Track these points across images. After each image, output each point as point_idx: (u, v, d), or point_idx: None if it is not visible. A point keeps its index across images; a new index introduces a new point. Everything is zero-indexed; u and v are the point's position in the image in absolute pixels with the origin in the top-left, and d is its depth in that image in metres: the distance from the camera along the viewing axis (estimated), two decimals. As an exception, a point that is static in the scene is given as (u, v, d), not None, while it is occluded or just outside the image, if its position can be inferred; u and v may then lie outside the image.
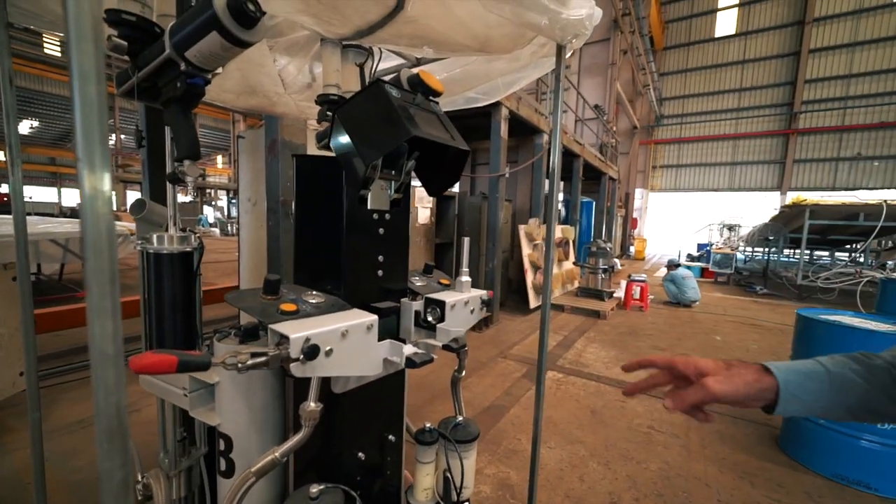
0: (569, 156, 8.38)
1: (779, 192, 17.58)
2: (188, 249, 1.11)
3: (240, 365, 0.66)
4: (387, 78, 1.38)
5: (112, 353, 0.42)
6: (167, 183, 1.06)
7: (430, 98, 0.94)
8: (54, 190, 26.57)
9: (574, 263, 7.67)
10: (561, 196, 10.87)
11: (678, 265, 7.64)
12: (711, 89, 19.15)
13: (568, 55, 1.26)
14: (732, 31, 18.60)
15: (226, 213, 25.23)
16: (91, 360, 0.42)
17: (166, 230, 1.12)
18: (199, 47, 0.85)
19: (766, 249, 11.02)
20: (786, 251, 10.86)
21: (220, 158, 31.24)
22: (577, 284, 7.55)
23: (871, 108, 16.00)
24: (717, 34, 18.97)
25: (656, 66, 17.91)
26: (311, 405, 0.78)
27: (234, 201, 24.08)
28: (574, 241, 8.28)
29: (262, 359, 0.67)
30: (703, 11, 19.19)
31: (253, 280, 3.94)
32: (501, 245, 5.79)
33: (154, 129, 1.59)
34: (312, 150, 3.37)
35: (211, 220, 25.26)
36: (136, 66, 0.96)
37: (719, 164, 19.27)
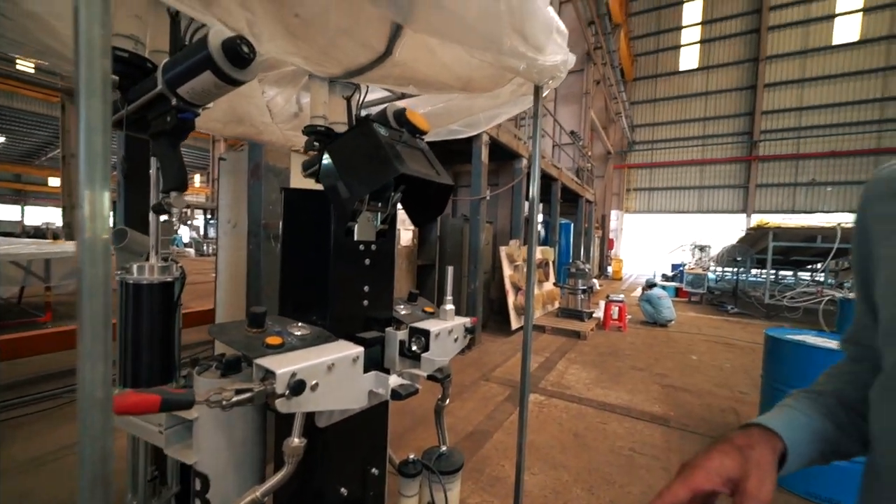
0: (547, 179, 8.65)
1: (744, 215, 18.52)
2: (169, 279, 1.09)
3: (224, 402, 0.66)
4: (373, 112, 1.43)
5: (101, 398, 0.42)
6: (151, 213, 1.05)
7: (416, 135, 0.99)
8: (18, 208, 25.39)
9: (554, 284, 7.79)
10: (540, 217, 11.13)
11: (654, 285, 7.87)
12: (678, 118, 20.29)
13: (545, 94, 1.34)
14: (695, 66, 19.93)
15: (202, 232, 24.54)
16: (78, 405, 0.42)
17: (147, 259, 1.10)
18: (191, 84, 0.88)
19: (735, 270, 11.51)
20: (753, 271, 11.37)
21: (197, 177, 30.64)
22: (557, 305, 7.65)
23: (822, 138, 17.27)
24: (682, 68, 20.28)
25: (627, 95, 18.91)
26: (295, 441, 0.77)
27: (211, 221, 23.47)
28: (554, 262, 8.44)
29: (247, 395, 0.67)
30: (668, 47, 20.55)
31: (230, 303, 3.84)
32: (483, 266, 5.85)
33: (134, 157, 1.57)
34: (297, 174, 3.38)
35: (186, 239, 24.49)
36: (126, 99, 0.97)
37: (688, 187, 20.22)
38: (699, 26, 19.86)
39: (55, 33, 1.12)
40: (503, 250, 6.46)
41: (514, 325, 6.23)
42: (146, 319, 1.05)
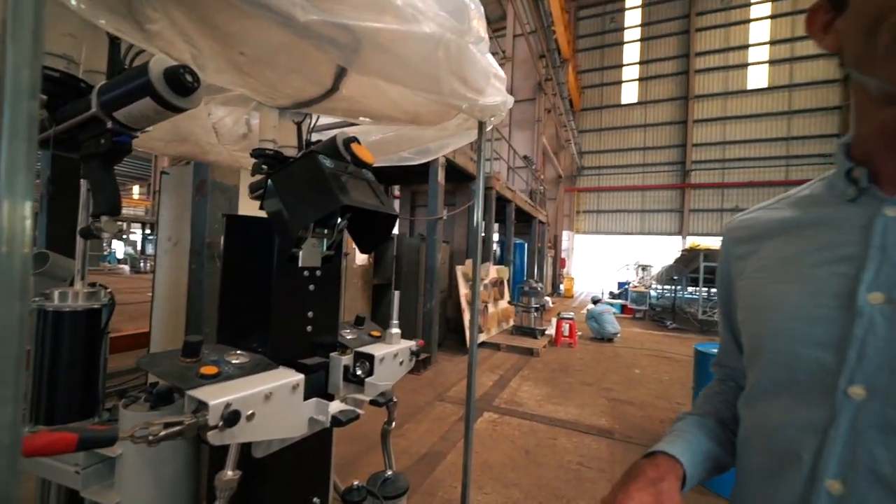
0: (502, 201, 8.96)
1: (680, 237, 20.18)
2: (96, 306, 1.03)
3: (151, 437, 0.64)
4: (327, 135, 1.45)
5: (8, 443, 0.40)
6: (78, 237, 0.99)
7: (362, 167, 1.03)
8: None
9: (509, 302, 7.99)
10: (496, 237, 11.47)
11: (598, 301, 8.32)
12: (622, 146, 21.98)
13: (489, 128, 1.44)
14: (635, 100, 21.83)
15: (139, 248, 22.57)
16: (-17, 450, 0.40)
17: (71, 284, 1.04)
18: (129, 109, 0.86)
19: (673, 287, 12.44)
20: (689, 289, 12.35)
21: (136, 188, 28.44)
22: (512, 322, 7.83)
23: (742, 170, 19.43)
24: (624, 101, 22.12)
25: (576, 124, 20.24)
26: (229, 473, 0.75)
27: (150, 237, 21.68)
28: (509, 281, 8.68)
29: (177, 428, 0.66)
30: (611, 82, 22.40)
31: (167, 325, 3.59)
32: (439, 285, 5.90)
33: (57, 176, 1.46)
34: (245, 192, 3.27)
35: (120, 255, 22.36)
36: (55, 119, 0.93)
37: (631, 210, 21.78)
38: (637, 65, 21.86)
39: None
40: (459, 269, 6.57)
41: (470, 343, 6.30)
42: (67, 350, 0.98)
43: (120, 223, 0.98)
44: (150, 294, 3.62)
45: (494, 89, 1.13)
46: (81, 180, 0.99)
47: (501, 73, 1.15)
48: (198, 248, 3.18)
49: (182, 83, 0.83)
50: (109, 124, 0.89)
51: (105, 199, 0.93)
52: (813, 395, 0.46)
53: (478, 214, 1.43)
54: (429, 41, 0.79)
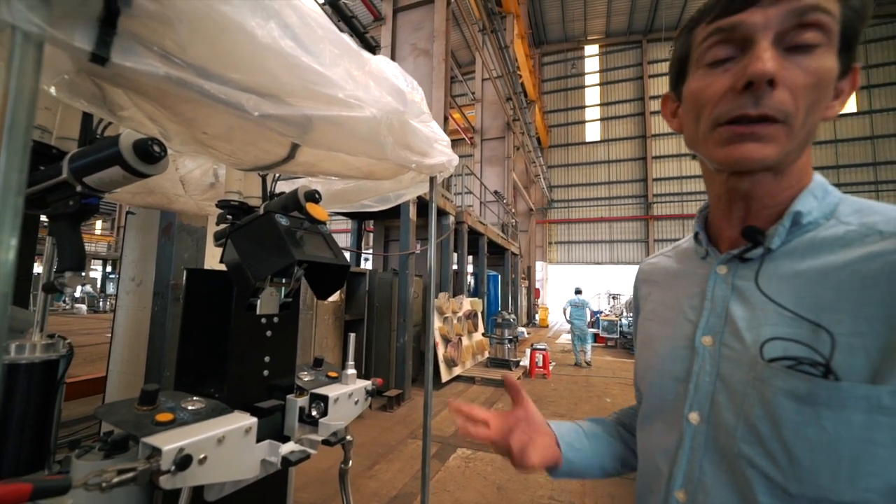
0: (474, 234, 9.22)
1: (647, 265, 21.04)
2: (54, 357, 1.06)
3: (104, 484, 0.68)
4: (289, 187, 1.57)
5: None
6: (41, 291, 1.04)
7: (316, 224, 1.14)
8: None
9: (483, 335, 8.04)
10: (471, 269, 11.65)
11: (579, 291, 9.03)
12: (588, 181, 23.18)
13: (439, 181, 1.59)
14: (598, 138, 23.30)
15: (98, 286, 21.39)
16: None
17: (28, 337, 1.07)
18: (99, 175, 0.95)
19: (642, 315, 12.79)
20: (657, 316, 12.71)
21: (99, 223, 27.34)
22: (487, 355, 7.86)
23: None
24: (588, 139, 23.57)
25: (544, 160, 21.30)
26: (180, 518, 0.79)
27: (111, 275, 20.62)
28: (483, 313, 8.77)
29: (131, 475, 0.70)
30: (575, 121, 23.92)
31: (126, 370, 3.45)
32: (413, 320, 5.92)
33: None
34: (213, 236, 3.30)
35: (78, 293, 21.10)
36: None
37: (601, 241, 22.68)
38: (599, 106, 23.51)
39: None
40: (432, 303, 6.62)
41: (445, 377, 6.26)
42: (20, 403, 1.00)
43: (82, 275, 1.04)
44: (109, 335, 3.49)
45: (438, 151, 1.28)
46: (47, 237, 1.05)
47: (444, 137, 1.32)
48: (161, 289, 3.14)
49: (150, 153, 0.93)
50: (79, 188, 0.97)
51: (70, 257, 0.99)
52: (672, 421, 0.55)
53: (430, 255, 1.55)
54: (372, 122, 0.93)
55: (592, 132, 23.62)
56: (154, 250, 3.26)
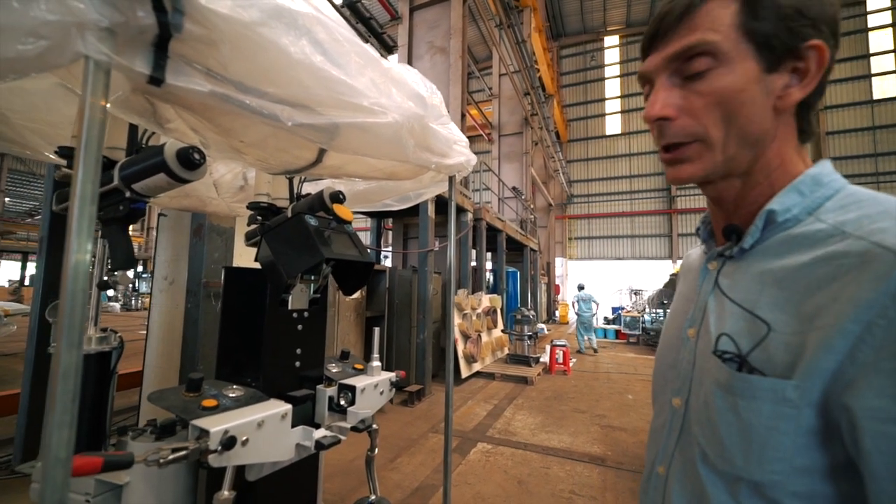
0: (492, 231, 9.22)
1: (670, 261, 20.50)
2: (107, 349, 1.16)
3: (161, 460, 0.76)
4: (315, 188, 1.64)
5: (64, 457, 0.54)
6: (95, 287, 1.14)
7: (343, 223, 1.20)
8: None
9: (502, 331, 8.06)
10: (490, 265, 11.65)
11: (582, 287, 9.74)
12: (609, 175, 22.72)
13: (458, 180, 1.63)
14: (619, 131, 22.77)
15: (131, 285, 22.48)
16: (43, 464, 0.54)
17: (84, 330, 1.17)
18: (145, 182, 1.04)
19: (665, 311, 12.55)
20: (681, 312, 12.41)
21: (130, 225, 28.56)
22: (507, 351, 7.87)
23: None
24: (608, 132, 23.07)
25: (563, 155, 21.00)
26: (225, 493, 0.87)
27: (143, 275, 21.58)
28: (502, 309, 8.78)
29: (183, 453, 0.78)
30: (595, 115, 23.45)
31: (161, 364, 3.64)
32: (432, 316, 5.99)
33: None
34: (240, 235, 3.44)
35: (111, 292, 22.16)
36: (81, 190, 1.10)
37: (622, 236, 22.22)
38: (619, 99, 22.97)
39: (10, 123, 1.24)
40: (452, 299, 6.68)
41: (465, 373, 6.32)
42: (80, 390, 1.10)
43: (130, 275, 1.14)
44: (145, 333, 3.70)
45: (457, 152, 1.33)
46: (99, 239, 1.15)
47: (463, 137, 1.36)
48: (193, 287, 3.31)
49: (191, 161, 1.01)
50: (128, 194, 1.07)
51: (121, 257, 1.09)
52: (663, 404, 0.61)
53: (450, 252, 1.60)
54: (395, 126, 0.98)
55: (613, 125, 23.11)
56: (185, 250, 3.43)
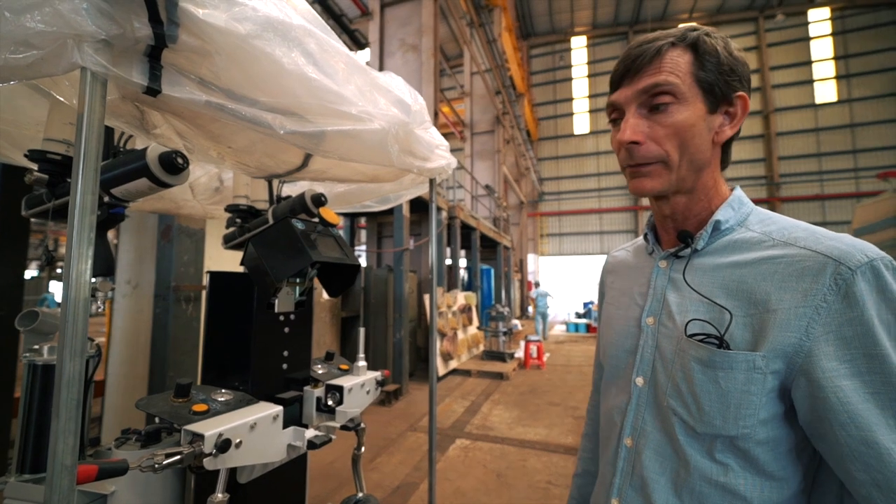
0: (467, 229, 9.32)
1: (637, 256, 21.38)
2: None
3: (156, 465, 0.77)
4: (294, 191, 1.64)
5: (69, 464, 0.55)
6: (69, 296, 1.11)
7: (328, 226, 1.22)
8: None
9: (478, 328, 8.18)
10: (464, 263, 11.76)
11: (538, 284, 11.36)
12: (578, 173, 23.40)
13: (438, 182, 1.68)
14: (587, 130, 23.49)
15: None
16: (49, 472, 0.54)
17: (57, 339, 1.13)
18: (126, 187, 1.02)
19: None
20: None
21: (82, 227, 26.64)
22: (482, 348, 8.00)
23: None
24: (576, 132, 23.74)
25: (534, 153, 21.42)
26: (219, 496, 0.88)
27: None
28: (477, 306, 8.90)
29: (178, 457, 0.79)
30: (564, 114, 24.07)
31: (126, 372, 3.49)
32: (408, 315, 6.01)
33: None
34: (211, 236, 3.34)
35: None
36: (54, 194, 1.06)
37: (591, 232, 22.97)
38: (587, 98, 23.68)
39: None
40: (427, 298, 6.72)
41: (441, 371, 6.38)
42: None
43: (111, 281, 1.11)
44: (105, 340, 3.52)
45: (438, 156, 1.37)
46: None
47: (444, 142, 1.40)
48: (162, 292, 3.19)
49: (174, 165, 1.00)
50: (106, 199, 1.04)
51: (100, 263, 1.06)
52: (623, 385, 0.69)
53: (432, 252, 1.65)
54: (381, 133, 1.01)
55: (581, 124, 23.80)
56: (150, 252, 3.29)
